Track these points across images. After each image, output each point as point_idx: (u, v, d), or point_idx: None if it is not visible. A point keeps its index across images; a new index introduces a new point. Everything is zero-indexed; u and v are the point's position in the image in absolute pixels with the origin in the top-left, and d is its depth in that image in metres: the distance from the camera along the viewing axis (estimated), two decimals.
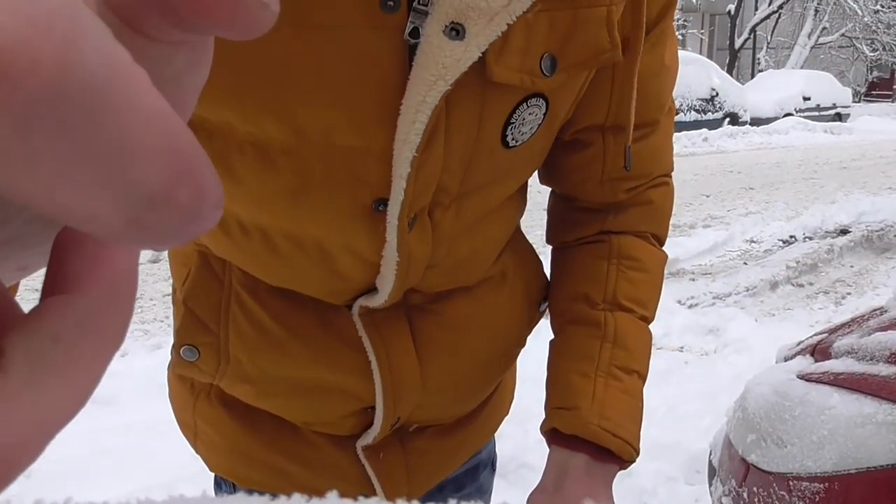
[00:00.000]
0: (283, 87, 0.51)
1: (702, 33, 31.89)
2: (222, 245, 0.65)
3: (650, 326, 0.77)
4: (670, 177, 0.78)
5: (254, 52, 0.50)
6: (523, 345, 0.81)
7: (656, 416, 2.97)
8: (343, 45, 0.50)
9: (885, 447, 1.01)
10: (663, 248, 0.79)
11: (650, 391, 3.01)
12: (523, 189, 0.74)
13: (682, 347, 3.99)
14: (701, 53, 22.52)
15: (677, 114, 11.36)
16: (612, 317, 0.72)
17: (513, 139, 0.60)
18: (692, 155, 12.53)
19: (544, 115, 0.61)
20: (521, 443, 2.47)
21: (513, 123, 0.59)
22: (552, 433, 0.70)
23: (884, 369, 1.14)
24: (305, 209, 0.58)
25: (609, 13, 0.58)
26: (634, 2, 0.60)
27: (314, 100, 0.52)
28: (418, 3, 0.50)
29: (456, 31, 0.50)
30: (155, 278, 4.92)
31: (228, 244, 0.64)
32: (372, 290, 0.65)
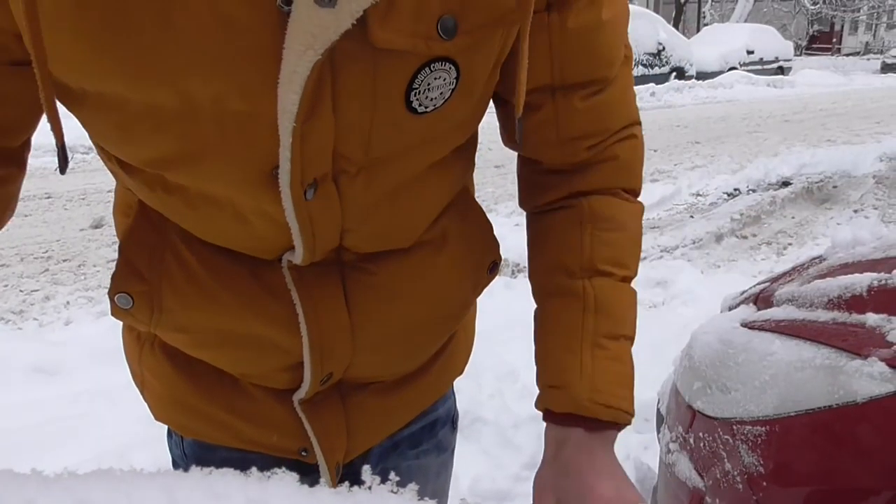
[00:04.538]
0: (166, 55, 0.50)
1: None
2: (153, 202, 0.65)
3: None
4: (637, 127, 0.76)
5: (133, 17, 0.49)
6: (469, 307, 0.80)
7: None
8: (218, 12, 0.48)
9: (823, 390, 1.05)
10: (638, 198, 0.77)
11: None
12: (465, 153, 0.72)
13: None
14: (648, 7, 22.54)
15: None
16: (592, 285, 0.70)
17: (420, 105, 0.58)
18: (640, 110, 12.48)
19: (456, 79, 0.58)
20: (475, 397, 2.50)
21: (416, 89, 0.56)
22: (547, 410, 0.70)
23: (822, 315, 1.18)
24: (209, 174, 0.58)
25: None
26: None
27: (199, 68, 0.51)
28: None
29: None
30: (98, 244, 4.79)
31: (156, 202, 0.64)
32: (291, 247, 0.64)
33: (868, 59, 31.72)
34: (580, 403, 0.67)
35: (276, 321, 0.68)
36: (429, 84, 0.57)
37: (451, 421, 0.95)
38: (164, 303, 0.69)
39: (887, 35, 38.61)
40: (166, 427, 0.86)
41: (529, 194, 0.77)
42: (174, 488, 0.44)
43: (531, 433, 2.37)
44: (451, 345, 0.85)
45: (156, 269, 0.68)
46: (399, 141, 0.60)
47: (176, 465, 0.87)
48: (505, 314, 3.65)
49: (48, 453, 2.22)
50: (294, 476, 0.49)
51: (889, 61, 24.74)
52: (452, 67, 0.57)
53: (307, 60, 0.50)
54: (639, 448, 2.41)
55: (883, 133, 9.77)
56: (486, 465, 2.27)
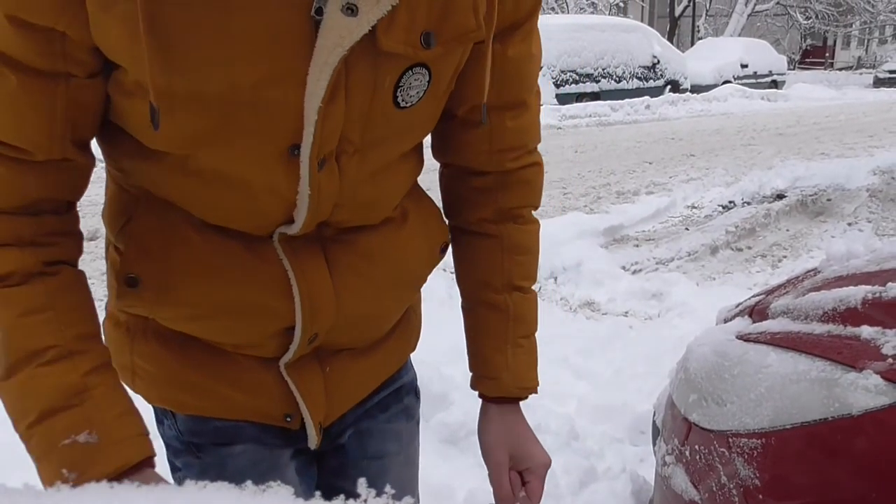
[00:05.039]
0: (222, 48, 0.64)
1: (642, 1, 32.13)
2: (166, 189, 0.76)
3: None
4: (539, 153, 0.95)
5: (203, 24, 0.63)
6: (424, 280, 0.96)
7: (602, 380, 3.03)
8: (266, 19, 0.64)
9: (818, 402, 1.05)
10: (536, 211, 0.98)
11: (596, 356, 3.08)
12: (419, 150, 0.88)
13: (626, 312, 4.07)
14: (642, 21, 22.69)
15: (619, 81, 11.37)
16: (511, 299, 0.94)
17: (403, 101, 0.74)
18: (635, 122, 12.66)
19: (428, 82, 0.75)
20: (470, 409, 2.49)
21: (402, 87, 0.73)
22: (481, 393, 0.98)
23: (817, 328, 1.18)
24: (237, 151, 0.70)
25: (474, 2, 0.73)
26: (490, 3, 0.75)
27: (246, 59, 0.64)
28: None
29: (351, 9, 0.64)
30: (92, 256, 4.77)
31: (170, 188, 0.76)
32: (289, 221, 0.77)
33: (860, 74, 31.96)
34: (507, 390, 0.96)
35: (270, 288, 0.79)
36: (410, 84, 0.73)
37: (415, 390, 1.11)
38: (169, 280, 0.78)
39: (879, 50, 38.91)
40: (154, 423, 0.91)
41: (458, 208, 0.96)
42: (168, 502, 0.44)
43: None
44: (405, 319, 1.00)
45: (163, 250, 0.78)
46: (386, 128, 0.76)
47: (170, 447, 0.93)
48: None
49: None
50: (289, 489, 0.49)
51: (881, 76, 24.92)
52: (427, 72, 0.73)
53: (336, 55, 0.65)
54: (634, 460, 2.41)
55: (876, 146, 9.83)
56: (482, 477, 2.24)
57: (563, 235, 5.06)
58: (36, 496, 0.45)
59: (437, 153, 0.94)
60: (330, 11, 0.64)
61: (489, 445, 0.97)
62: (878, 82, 24.56)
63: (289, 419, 0.89)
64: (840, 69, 36.71)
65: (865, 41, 39.97)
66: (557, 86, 13.85)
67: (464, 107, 0.85)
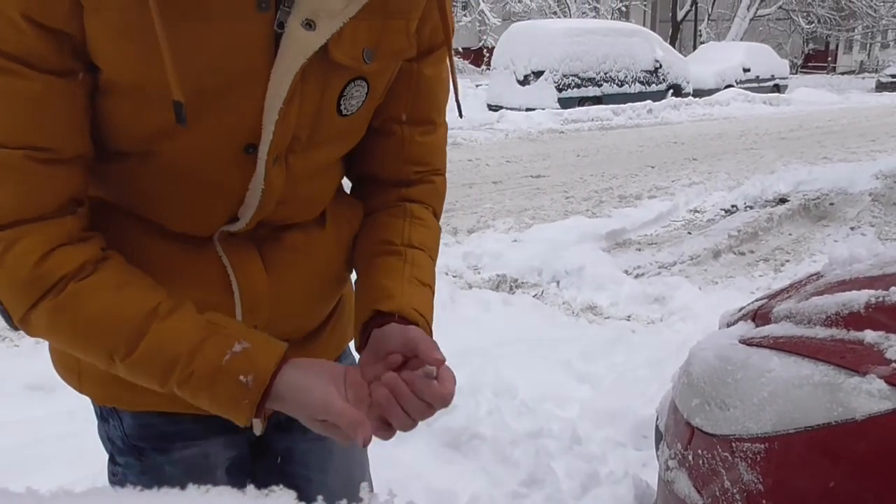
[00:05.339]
0: (194, 53, 0.71)
1: (645, 5, 32.14)
2: (120, 188, 0.83)
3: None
4: (444, 178, 1.03)
5: (182, 33, 0.70)
6: (349, 273, 1.01)
7: (604, 385, 3.02)
8: (233, 31, 0.72)
9: (821, 406, 1.05)
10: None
11: (599, 360, 3.07)
12: (343, 160, 0.97)
13: (629, 316, 4.06)
14: (644, 25, 22.70)
15: (621, 85, 11.43)
16: (410, 251, 0.95)
17: (345, 109, 0.84)
18: (637, 126, 12.66)
19: (366, 93, 0.85)
20: (472, 413, 2.49)
21: (345, 97, 0.83)
22: (375, 311, 0.88)
23: (820, 332, 1.18)
24: (197, 145, 0.77)
25: (407, 24, 0.84)
26: (410, 28, 0.85)
27: (213, 64, 0.73)
28: (283, 5, 0.73)
29: (309, 24, 0.74)
30: None
31: (127, 186, 0.82)
32: (233, 219, 0.85)
33: (863, 78, 31.90)
34: (400, 306, 0.88)
35: (211, 284, 0.86)
36: (352, 94, 0.83)
37: None
38: None
39: (882, 54, 38.90)
40: (96, 423, 1.01)
41: (366, 200, 1.02)
42: None
43: (529, 450, 2.36)
44: (339, 310, 1.07)
45: (110, 250, 0.81)
46: (329, 133, 0.85)
47: (114, 445, 0.99)
48: (502, 331, 3.64)
49: (43, 471, 2.20)
50: (291, 493, 0.49)
51: (884, 80, 24.89)
52: (365, 84, 0.84)
53: (298, 62, 0.75)
54: (637, 465, 2.40)
55: (879, 151, 9.82)
56: (484, 482, 2.25)
57: (565, 239, 5.07)
58: (38, 500, 0.45)
59: (351, 167, 1.00)
60: (291, 26, 0.74)
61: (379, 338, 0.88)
62: (881, 87, 24.54)
63: None
64: (842, 73, 36.68)
65: (868, 45, 39.94)
66: (559, 90, 13.87)
67: (381, 117, 0.93)
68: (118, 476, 1.00)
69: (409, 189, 0.99)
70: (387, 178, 0.99)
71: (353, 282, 1.00)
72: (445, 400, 0.77)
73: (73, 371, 0.94)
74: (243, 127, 0.77)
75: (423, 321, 0.89)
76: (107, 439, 1.00)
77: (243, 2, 0.72)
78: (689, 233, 5.86)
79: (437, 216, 1.03)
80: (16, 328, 0.79)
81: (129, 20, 0.68)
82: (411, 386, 0.77)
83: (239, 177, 0.81)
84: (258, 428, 0.96)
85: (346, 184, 1.04)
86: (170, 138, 0.76)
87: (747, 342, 1.29)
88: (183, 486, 0.83)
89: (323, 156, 0.88)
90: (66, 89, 0.71)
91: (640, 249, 5.41)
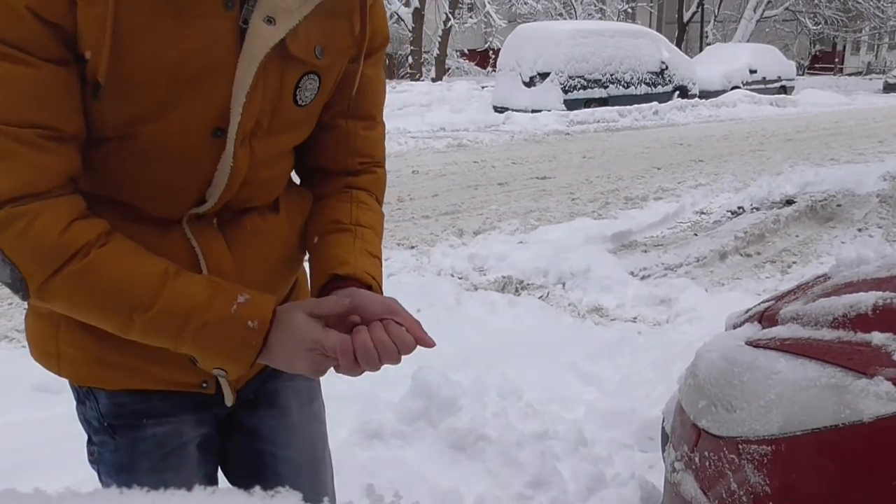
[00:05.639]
0: (169, 47, 0.81)
1: (651, 6, 32.12)
2: (104, 169, 0.89)
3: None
4: (384, 170, 1.14)
5: (159, 29, 0.80)
6: (303, 254, 1.10)
7: (610, 386, 3.02)
8: (204, 27, 0.82)
9: (828, 408, 1.04)
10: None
11: (605, 362, 3.07)
12: (295, 152, 1.05)
13: (635, 318, 4.06)
14: (650, 27, 22.68)
15: (627, 87, 11.43)
16: (358, 228, 1.05)
17: (300, 99, 0.94)
18: (643, 128, 12.65)
19: (318, 87, 0.95)
20: (478, 415, 2.49)
21: (300, 88, 0.93)
22: (333, 275, 0.98)
23: (827, 334, 1.17)
24: (171, 128, 0.86)
25: (351, 25, 0.96)
26: (356, 30, 0.97)
27: (189, 57, 0.82)
28: (247, 4, 0.84)
29: (270, 20, 0.85)
30: None
31: (105, 167, 0.89)
32: (200, 202, 0.94)
33: (870, 79, 31.79)
34: (357, 272, 0.98)
35: (181, 263, 0.91)
36: (306, 86, 0.94)
37: None
38: None
39: (889, 55, 38.77)
40: (75, 404, 1.08)
41: (315, 189, 1.11)
42: None
43: (535, 452, 2.35)
44: (296, 290, 1.16)
45: None
46: (287, 121, 0.95)
47: (90, 425, 1.05)
48: (508, 332, 3.64)
49: (51, 472, 2.21)
50: (298, 495, 0.49)
51: (891, 81, 24.80)
52: (317, 78, 0.95)
53: (261, 52, 0.85)
54: (643, 467, 2.40)
55: (886, 152, 9.78)
56: (490, 483, 2.25)
57: (571, 241, 5.06)
58: (46, 501, 0.45)
59: (300, 162, 1.09)
60: (255, 21, 0.85)
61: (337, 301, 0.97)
62: (888, 88, 24.46)
63: (205, 385, 1.02)
64: (849, 74, 36.55)
65: (875, 47, 39.82)
66: (565, 91, 13.86)
67: (329, 112, 1.04)
68: (95, 455, 1.07)
69: (355, 178, 1.10)
70: (334, 169, 1.10)
71: (305, 268, 1.10)
72: (409, 346, 0.88)
73: (51, 356, 1.01)
74: (213, 112, 0.87)
75: (376, 284, 1.00)
76: (84, 420, 1.07)
77: (212, 2, 0.82)
78: (696, 234, 5.85)
79: (379, 203, 1.14)
80: (26, 298, 0.85)
81: (112, 15, 0.77)
82: (387, 329, 0.88)
83: (208, 158, 0.90)
84: (229, 400, 1.04)
85: (297, 179, 1.14)
86: (148, 122, 0.85)
87: (754, 344, 1.29)
88: (154, 463, 0.98)
89: (281, 143, 0.98)
90: (63, 76, 0.79)
91: (646, 251, 5.40)
